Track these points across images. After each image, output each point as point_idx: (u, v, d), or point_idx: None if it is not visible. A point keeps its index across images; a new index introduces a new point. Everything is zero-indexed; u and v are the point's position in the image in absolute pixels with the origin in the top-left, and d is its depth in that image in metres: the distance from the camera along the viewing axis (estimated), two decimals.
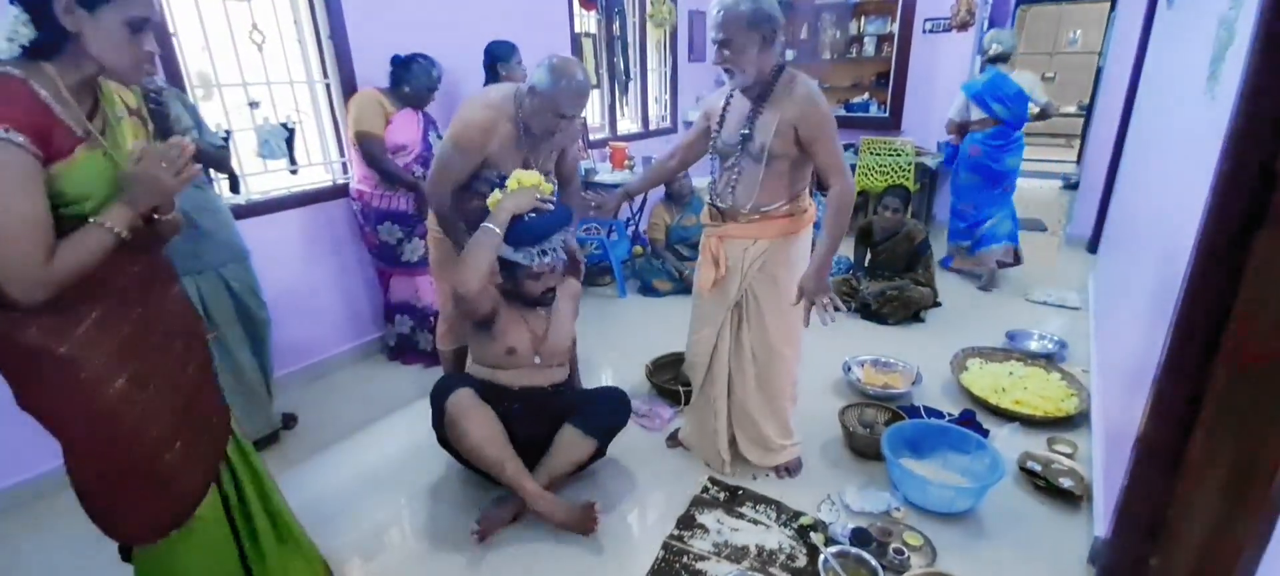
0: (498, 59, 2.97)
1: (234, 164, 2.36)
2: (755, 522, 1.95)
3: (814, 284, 1.83)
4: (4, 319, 1.11)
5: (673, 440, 2.36)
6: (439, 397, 1.91)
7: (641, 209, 4.57)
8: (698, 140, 2.08)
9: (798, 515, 1.97)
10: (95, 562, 1.69)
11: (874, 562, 1.70)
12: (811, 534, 1.86)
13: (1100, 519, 1.79)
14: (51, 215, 1.06)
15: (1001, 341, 3.06)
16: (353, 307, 3.10)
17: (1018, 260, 4.03)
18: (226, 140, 2.30)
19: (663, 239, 4.04)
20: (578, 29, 4.12)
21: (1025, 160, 4.05)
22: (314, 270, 2.90)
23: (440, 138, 2.81)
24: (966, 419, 2.38)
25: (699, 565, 1.79)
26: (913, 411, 2.48)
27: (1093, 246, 4.51)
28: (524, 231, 1.87)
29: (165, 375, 1.29)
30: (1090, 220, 4.57)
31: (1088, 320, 3.35)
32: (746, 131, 1.83)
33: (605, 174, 4.03)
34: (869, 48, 5.44)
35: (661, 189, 4.08)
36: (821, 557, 1.74)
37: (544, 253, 1.91)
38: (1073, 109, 8.34)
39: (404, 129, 2.71)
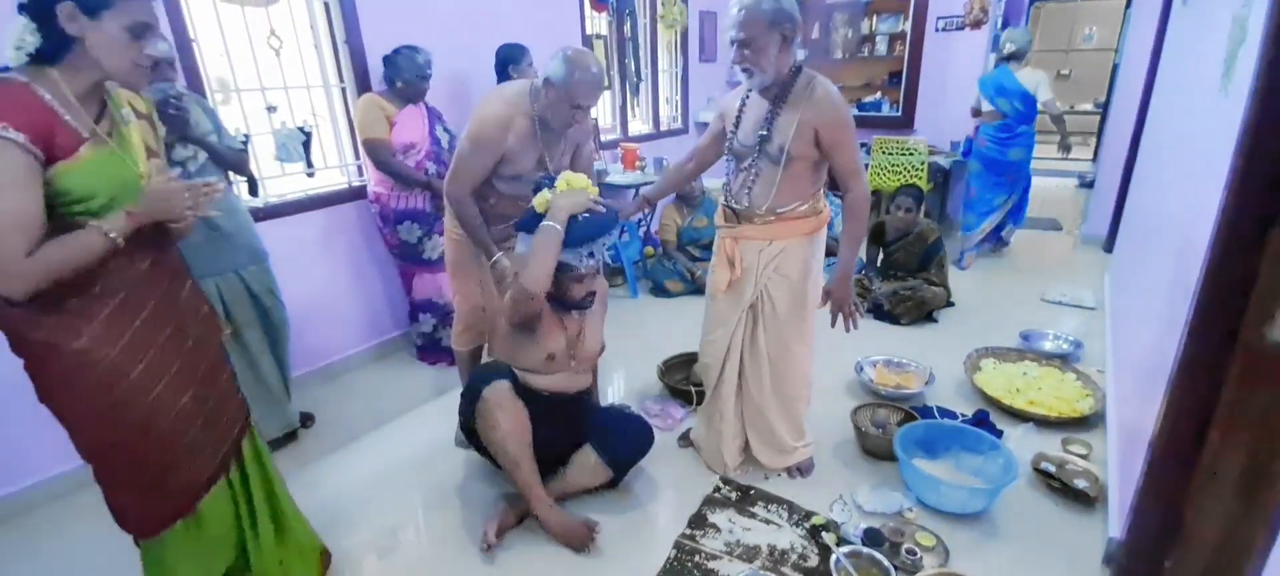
0: (509, 61, 3.00)
1: (252, 167, 2.40)
2: (767, 522, 1.96)
3: (842, 291, 1.89)
4: (21, 317, 1.15)
5: (684, 440, 2.37)
6: (479, 382, 1.89)
7: (653, 210, 4.58)
8: (713, 143, 2.08)
9: (810, 515, 1.97)
10: (116, 560, 1.72)
11: (886, 563, 1.70)
12: (823, 534, 1.86)
13: (1115, 520, 1.78)
14: (43, 213, 1.09)
15: (1016, 341, 3.04)
16: (370, 308, 3.14)
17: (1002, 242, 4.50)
18: (245, 144, 2.34)
19: (674, 240, 4.05)
20: (589, 31, 4.15)
21: (1040, 158, 4.27)
22: (331, 271, 2.94)
23: (448, 131, 2.85)
24: (980, 419, 2.36)
25: (711, 564, 1.80)
26: (925, 412, 2.48)
27: (1108, 245, 4.46)
28: (575, 233, 1.87)
29: (177, 368, 1.33)
30: (1106, 219, 4.52)
31: (1103, 320, 3.32)
32: (764, 132, 1.83)
33: (617, 175, 4.06)
34: (881, 46, 5.42)
35: None
36: (834, 557, 1.74)
37: (591, 254, 1.91)
38: (1089, 106, 8.25)
39: (409, 127, 2.72)
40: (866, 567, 1.72)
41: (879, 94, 5.54)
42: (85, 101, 1.16)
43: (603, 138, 4.40)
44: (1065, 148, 4.08)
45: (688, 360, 2.80)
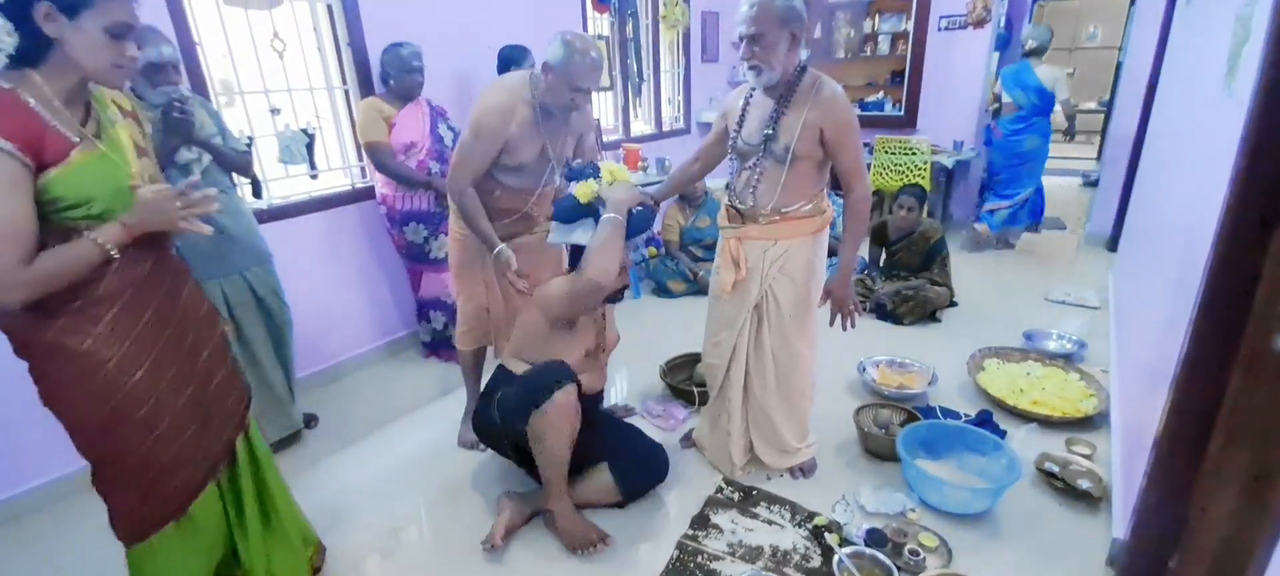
0: (511, 62, 3.01)
1: (256, 169, 2.41)
2: (770, 523, 1.96)
3: (842, 290, 1.91)
4: (27, 320, 1.15)
5: (687, 440, 2.37)
6: (550, 380, 1.78)
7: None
8: (717, 143, 2.08)
9: (812, 515, 1.97)
10: (114, 563, 1.71)
11: (889, 563, 1.70)
12: (826, 534, 1.86)
13: (1119, 520, 1.78)
14: (35, 221, 1.08)
15: (1019, 341, 3.03)
16: (375, 308, 3.15)
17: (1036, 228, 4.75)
18: (249, 146, 2.35)
19: (676, 240, 4.05)
20: (591, 31, 4.15)
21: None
22: (335, 272, 2.95)
23: (451, 129, 2.85)
24: (983, 419, 2.36)
25: (713, 565, 1.80)
26: (928, 412, 2.47)
27: (1113, 244, 4.44)
28: (629, 225, 1.88)
29: (177, 369, 1.33)
30: (1110, 218, 4.50)
31: (1107, 319, 3.31)
32: (770, 132, 1.83)
33: None
34: (883, 45, 5.41)
35: None
36: (836, 558, 1.74)
37: (636, 246, 1.92)
38: (1093, 105, 8.21)
39: (408, 126, 2.72)
40: (869, 568, 1.71)
41: (881, 93, 5.53)
42: (70, 103, 1.14)
43: (605, 138, 4.41)
44: (1069, 134, 4.46)
45: (690, 360, 2.80)
